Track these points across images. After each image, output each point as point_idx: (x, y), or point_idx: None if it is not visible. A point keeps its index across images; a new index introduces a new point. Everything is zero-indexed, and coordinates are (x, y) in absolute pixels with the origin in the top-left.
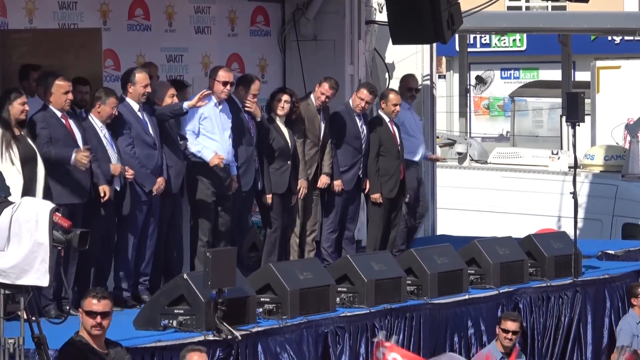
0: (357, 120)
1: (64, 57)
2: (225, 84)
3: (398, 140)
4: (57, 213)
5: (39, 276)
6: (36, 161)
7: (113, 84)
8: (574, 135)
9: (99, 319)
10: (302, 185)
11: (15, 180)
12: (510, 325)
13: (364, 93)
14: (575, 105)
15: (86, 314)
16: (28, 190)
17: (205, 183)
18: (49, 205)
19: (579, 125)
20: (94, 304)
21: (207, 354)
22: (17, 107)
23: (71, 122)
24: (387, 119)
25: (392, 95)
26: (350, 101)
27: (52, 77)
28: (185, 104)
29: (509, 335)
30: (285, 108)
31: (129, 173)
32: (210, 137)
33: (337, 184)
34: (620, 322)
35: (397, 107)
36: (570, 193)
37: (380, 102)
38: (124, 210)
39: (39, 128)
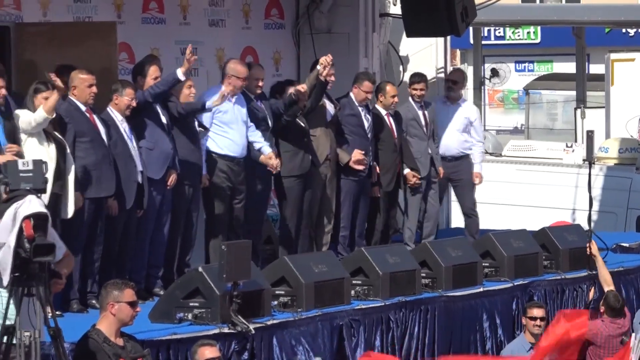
0: (360, 110)
1: (78, 51)
2: (244, 79)
3: (395, 134)
4: (27, 220)
5: (6, 277)
6: (65, 155)
7: (128, 77)
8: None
9: (138, 308)
10: None
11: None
12: (537, 312)
13: (367, 85)
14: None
15: (129, 305)
16: (62, 186)
17: (220, 176)
18: (29, 210)
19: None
20: (134, 294)
21: (222, 346)
22: (39, 101)
23: (95, 116)
24: (383, 112)
25: (388, 87)
26: (352, 95)
27: (71, 71)
28: (209, 103)
29: (538, 322)
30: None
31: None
32: (227, 131)
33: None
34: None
35: (395, 99)
36: (586, 161)
37: (377, 95)
38: (144, 204)
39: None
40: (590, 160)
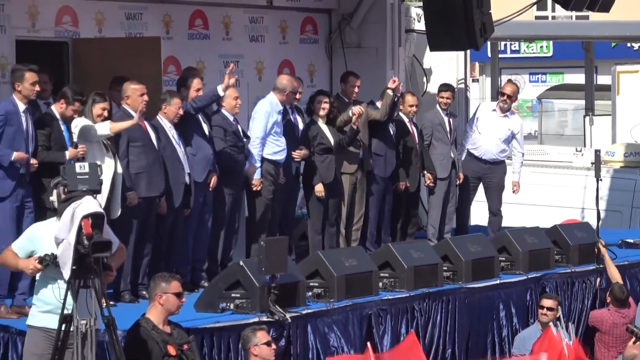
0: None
1: (128, 64)
2: (296, 93)
3: (416, 139)
4: (86, 219)
5: (66, 270)
6: (116, 158)
7: (174, 88)
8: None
9: (184, 299)
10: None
11: (104, 177)
12: (546, 302)
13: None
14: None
15: (176, 296)
16: (112, 190)
17: (268, 179)
18: (86, 210)
19: None
20: (180, 286)
21: None
22: (97, 111)
23: (146, 123)
24: (406, 119)
25: (408, 97)
26: (380, 105)
27: (124, 82)
28: (219, 89)
29: (544, 311)
30: (326, 109)
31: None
32: (279, 139)
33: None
34: None
35: (414, 108)
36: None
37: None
38: (191, 203)
39: None
40: (597, 177)
